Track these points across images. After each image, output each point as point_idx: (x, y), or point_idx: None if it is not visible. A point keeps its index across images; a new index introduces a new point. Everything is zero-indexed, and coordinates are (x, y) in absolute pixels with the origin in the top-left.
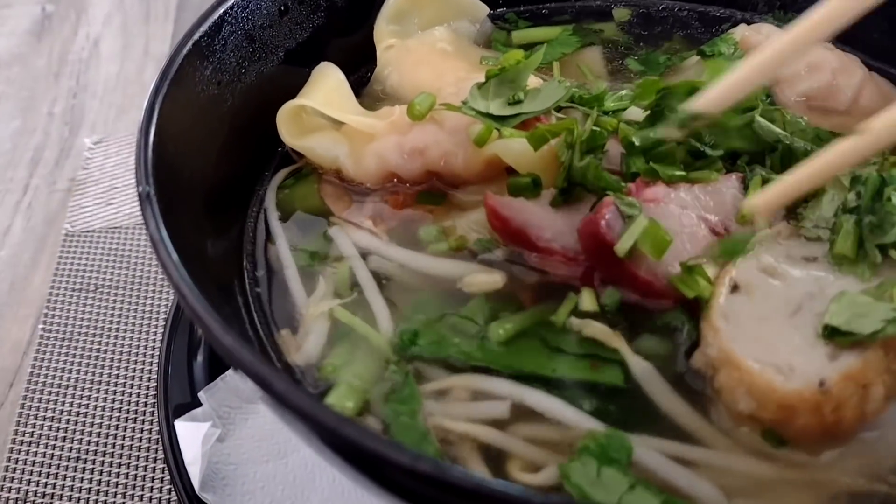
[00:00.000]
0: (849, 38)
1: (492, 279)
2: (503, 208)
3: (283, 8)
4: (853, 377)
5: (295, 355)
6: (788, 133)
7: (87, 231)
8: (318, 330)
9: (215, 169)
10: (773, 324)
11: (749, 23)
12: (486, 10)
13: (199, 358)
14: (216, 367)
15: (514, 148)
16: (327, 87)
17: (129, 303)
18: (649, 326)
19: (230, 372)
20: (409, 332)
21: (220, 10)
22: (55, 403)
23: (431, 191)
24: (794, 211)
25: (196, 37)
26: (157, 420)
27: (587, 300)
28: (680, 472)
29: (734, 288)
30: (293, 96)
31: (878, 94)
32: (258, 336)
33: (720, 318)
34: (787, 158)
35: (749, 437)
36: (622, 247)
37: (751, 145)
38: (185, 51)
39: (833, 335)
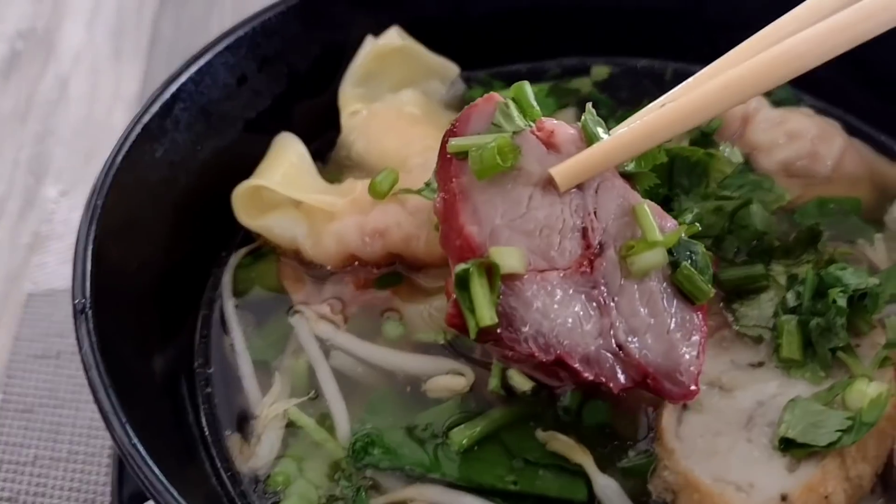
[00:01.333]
0: (832, 97)
1: (457, 384)
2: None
3: (241, 78)
4: (814, 489)
5: (245, 463)
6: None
7: (50, 291)
8: (271, 436)
9: (167, 255)
10: (726, 438)
11: None
12: (456, 70)
13: None
14: None
15: None
16: (287, 162)
17: None
18: (616, 439)
19: None
20: (364, 439)
21: (172, 89)
22: (13, 482)
23: (394, 274)
24: (729, 305)
25: (145, 120)
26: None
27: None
28: None
29: (684, 406)
30: (252, 167)
31: (860, 161)
32: (204, 439)
33: (673, 438)
34: None
35: None
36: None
37: None
38: (132, 136)
39: (789, 447)
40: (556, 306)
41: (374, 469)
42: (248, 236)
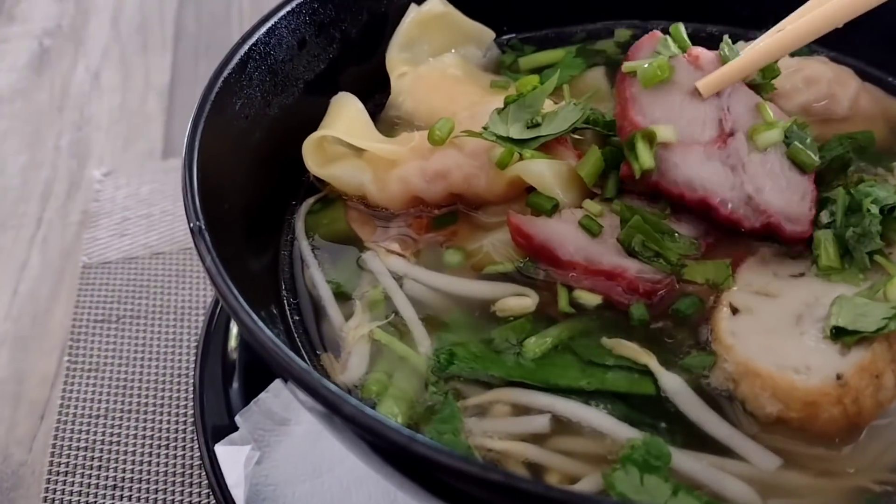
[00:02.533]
0: (844, 47)
1: (523, 303)
2: (526, 225)
3: (301, 41)
4: (866, 368)
5: (340, 376)
6: None
7: (104, 263)
8: (360, 351)
9: (248, 200)
10: (779, 334)
11: (744, 40)
12: (492, 35)
13: (234, 384)
14: (249, 391)
15: (535, 169)
16: (347, 116)
17: (153, 332)
18: (678, 345)
19: (263, 395)
20: (446, 352)
21: (246, 47)
22: (87, 434)
23: (451, 213)
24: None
25: (225, 73)
26: (188, 445)
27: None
28: (717, 476)
29: (734, 311)
30: (314, 126)
31: (873, 102)
32: (302, 360)
33: (729, 336)
34: None
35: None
36: (636, 171)
37: None
38: (216, 88)
39: (840, 335)
40: (698, 165)
41: (457, 379)
42: (314, 187)
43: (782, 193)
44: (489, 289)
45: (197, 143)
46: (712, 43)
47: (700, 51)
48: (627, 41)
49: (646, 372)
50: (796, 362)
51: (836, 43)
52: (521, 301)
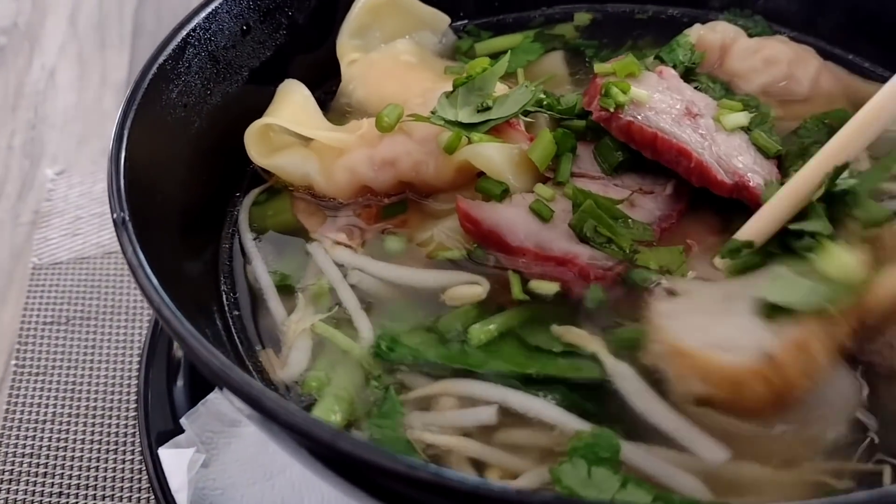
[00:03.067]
0: (805, 27)
1: (474, 291)
2: (474, 210)
3: (245, 28)
4: (795, 342)
5: (279, 373)
6: None
7: (55, 263)
8: (301, 346)
9: (186, 192)
10: (711, 312)
11: (704, 21)
12: (447, 20)
13: (179, 383)
14: (196, 392)
15: (484, 153)
16: (293, 103)
17: (102, 333)
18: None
19: (212, 396)
20: (388, 338)
21: (183, 33)
22: (33, 440)
23: (400, 202)
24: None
25: (160, 60)
26: (136, 450)
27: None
28: (666, 469)
29: (670, 293)
30: (260, 114)
31: (835, 81)
32: (240, 357)
33: (660, 316)
34: None
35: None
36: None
37: None
38: (150, 74)
39: (771, 311)
40: (674, 125)
41: (400, 368)
42: (259, 177)
43: (749, 166)
44: (439, 277)
45: (126, 132)
46: (673, 26)
47: (661, 68)
48: (587, 25)
49: (595, 359)
50: (724, 340)
51: (798, 23)
52: (472, 289)
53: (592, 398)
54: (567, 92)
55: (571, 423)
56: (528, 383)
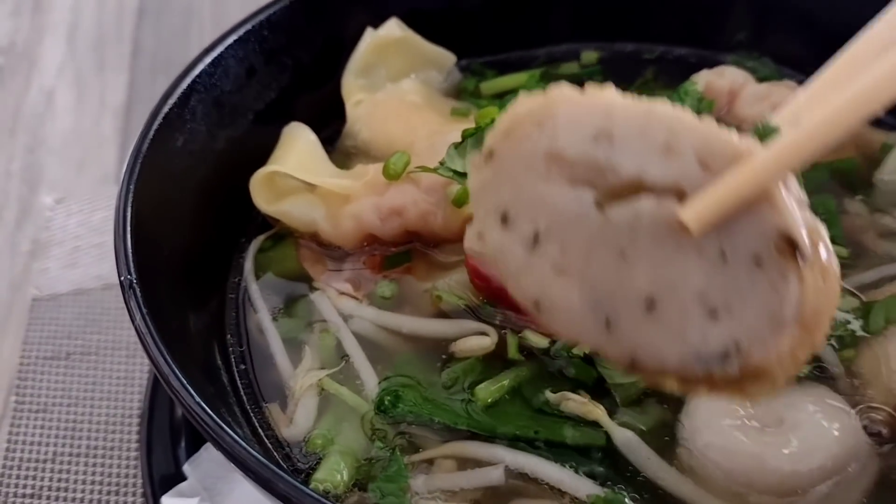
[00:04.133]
0: (813, 72)
1: (483, 343)
2: (484, 267)
3: (250, 70)
4: None
5: (286, 430)
6: None
7: (54, 295)
8: (307, 403)
9: (192, 241)
10: None
11: (712, 62)
12: (452, 59)
13: (185, 430)
14: (199, 436)
15: None
16: (299, 149)
17: (103, 369)
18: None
19: None
20: (392, 393)
21: (188, 80)
22: (34, 479)
23: (406, 252)
24: None
25: (165, 109)
26: (138, 491)
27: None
28: None
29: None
30: (265, 158)
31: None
32: (245, 412)
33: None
34: None
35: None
36: None
37: None
38: (155, 125)
39: None
40: None
41: (404, 424)
42: (265, 223)
43: None
44: (447, 327)
45: (131, 192)
46: (680, 65)
47: None
48: (593, 63)
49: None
50: None
51: (806, 66)
52: (482, 341)
53: (603, 461)
54: None
55: (583, 486)
56: (536, 445)
